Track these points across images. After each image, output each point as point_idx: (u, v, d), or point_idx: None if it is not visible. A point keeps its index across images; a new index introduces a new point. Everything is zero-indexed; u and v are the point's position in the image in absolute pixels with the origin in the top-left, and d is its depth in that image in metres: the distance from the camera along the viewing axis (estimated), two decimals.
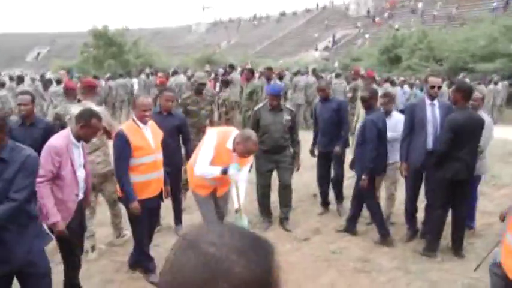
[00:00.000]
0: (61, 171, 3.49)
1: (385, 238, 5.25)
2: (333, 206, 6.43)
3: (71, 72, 19.85)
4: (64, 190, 3.55)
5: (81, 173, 3.70)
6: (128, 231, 5.16)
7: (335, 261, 4.88)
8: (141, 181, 4.18)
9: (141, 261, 4.51)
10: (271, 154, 5.64)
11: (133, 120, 4.21)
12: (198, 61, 30.45)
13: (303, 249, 5.21)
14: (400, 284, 4.37)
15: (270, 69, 10.43)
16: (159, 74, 14.10)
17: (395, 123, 5.57)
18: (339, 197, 6.39)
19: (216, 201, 4.70)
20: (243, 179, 4.40)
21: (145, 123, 4.20)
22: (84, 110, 3.72)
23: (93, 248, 4.92)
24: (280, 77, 11.11)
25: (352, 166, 5.69)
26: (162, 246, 5.27)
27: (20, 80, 12.12)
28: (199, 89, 6.48)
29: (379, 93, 5.85)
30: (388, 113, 5.65)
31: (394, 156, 5.48)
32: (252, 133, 4.25)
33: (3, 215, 2.83)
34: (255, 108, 5.82)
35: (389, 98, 5.82)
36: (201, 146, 4.42)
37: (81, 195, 3.78)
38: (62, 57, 36.35)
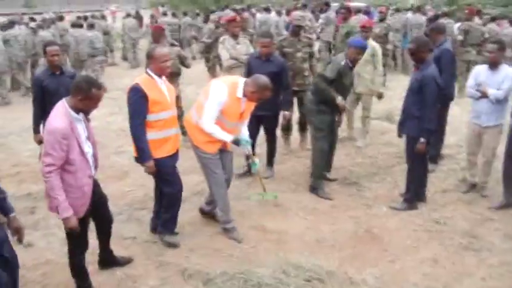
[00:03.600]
0: (70, 155, 3.08)
1: (410, 207, 4.93)
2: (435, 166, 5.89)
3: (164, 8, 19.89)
4: (77, 175, 3.16)
5: (88, 149, 3.29)
6: None
7: (438, 233, 4.46)
8: (160, 138, 3.92)
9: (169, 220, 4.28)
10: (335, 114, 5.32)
11: (148, 74, 3.89)
12: None
13: (402, 215, 4.83)
14: None
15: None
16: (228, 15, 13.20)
17: (502, 79, 4.83)
18: None
19: (223, 160, 4.33)
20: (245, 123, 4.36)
21: (161, 76, 3.92)
22: (81, 81, 3.21)
23: None
24: (382, 18, 10.11)
25: (401, 129, 5.01)
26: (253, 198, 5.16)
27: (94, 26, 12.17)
28: (295, 30, 6.20)
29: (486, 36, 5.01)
30: (495, 65, 4.87)
31: (497, 117, 4.92)
32: (266, 80, 4.04)
33: None
34: (342, 63, 5.12)
35: (500, 45, 4.92)
36: (208, 97, 4.03)
37: (93, 172, 3.38)
38: None
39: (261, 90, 4.01)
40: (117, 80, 11.35)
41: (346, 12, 9.36)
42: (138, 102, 3.79)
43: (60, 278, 3.73)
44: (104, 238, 3.83)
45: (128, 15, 15.82)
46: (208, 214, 4.67)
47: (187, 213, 4.71)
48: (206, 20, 13.39)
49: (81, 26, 11.73)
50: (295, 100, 6.26)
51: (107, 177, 5.69)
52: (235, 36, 6.29)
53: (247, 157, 4.34)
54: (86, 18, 13.81)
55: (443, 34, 5.76)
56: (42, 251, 4.18)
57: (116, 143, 7.01)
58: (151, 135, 3.87)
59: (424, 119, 4.60)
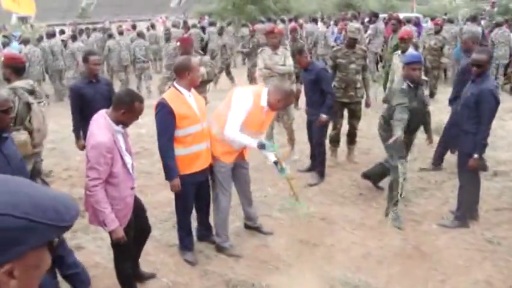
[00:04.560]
0: (113, 168, 3.08)
1: (461, 225, 4.73)
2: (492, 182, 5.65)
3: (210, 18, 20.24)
4: (120, 187, 3.16)
5: (129, 159, 3.26)
6: None
7: (491, 253, 4.26)
8: (189, 153, 3.80)
9: (183, 237, 4.19)
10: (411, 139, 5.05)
11: (176, 88, 3.79)
12: (337, 6, 28.96)
13: (452, 233, 4.64)
14: None
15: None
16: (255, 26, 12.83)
17: None
18: None
19: (237, 173, 4.29)
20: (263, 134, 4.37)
21: (190, 89, 3.83)
22: (123, 95, 3.20)
23: None
24: (438, 30, 9.79)
25: (452, 143, 4.77)
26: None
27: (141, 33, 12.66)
28: (350, 42, 6.20)
29: None
30: None
31: None
32: (287, 87, 4.22)
33: None
34: (402, 87, 4.64)
35: None
36: (231, 106, 3.91)
37: (134, 183, 3.39)
38: (203, 2, 37.37)
39: (287, 97, 4.05)
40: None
41: (397, 23, 9.20)
42: (164, 118, 3.70)
43: (108, 282, 3.81)
44: (136, 248, 3.74)
45: (174, 25, 16.17)
46: (252, 228, 4.66)
47: (233, 223, 4.71)
48: (221, 33, 13.68)
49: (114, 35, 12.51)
50: (345, 112, 6.23)
51: (155, 185, 5.80)
52: (273, 47, 6.37)
53: (276, 163, 4.22)
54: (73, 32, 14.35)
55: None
56: (91, 254, 4.29)
57: None
58: (179, 151, 3.77)
59: (479, 135, 4.40)
